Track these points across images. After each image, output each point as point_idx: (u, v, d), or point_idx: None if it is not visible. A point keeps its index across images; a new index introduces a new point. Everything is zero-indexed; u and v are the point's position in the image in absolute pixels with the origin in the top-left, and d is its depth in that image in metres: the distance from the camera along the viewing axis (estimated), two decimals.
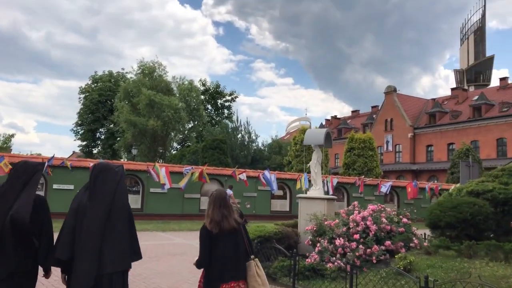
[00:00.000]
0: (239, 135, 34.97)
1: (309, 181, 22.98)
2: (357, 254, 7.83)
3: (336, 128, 66.63)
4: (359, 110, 72.56)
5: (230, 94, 51.97)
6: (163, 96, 35.78)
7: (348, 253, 7.97)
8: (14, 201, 3.49)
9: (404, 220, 8.71)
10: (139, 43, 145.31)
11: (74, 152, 65.01)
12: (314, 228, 8.82)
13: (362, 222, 8.36)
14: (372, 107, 67.69)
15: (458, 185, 27.57)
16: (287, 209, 23.58)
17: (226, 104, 52.66)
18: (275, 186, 21.50)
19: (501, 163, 41.30)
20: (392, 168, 53.62)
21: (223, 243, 3.87)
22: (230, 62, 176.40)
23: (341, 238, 8.07)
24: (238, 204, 18.55)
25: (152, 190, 20.22)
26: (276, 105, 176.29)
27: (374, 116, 63.09)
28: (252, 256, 4.05)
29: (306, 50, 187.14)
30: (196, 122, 40.94)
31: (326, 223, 8.61)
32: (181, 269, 9.42)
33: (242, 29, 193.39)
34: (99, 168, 3.69)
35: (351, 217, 8.50)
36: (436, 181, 44.05)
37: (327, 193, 23.56)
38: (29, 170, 3.71)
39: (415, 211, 19.56)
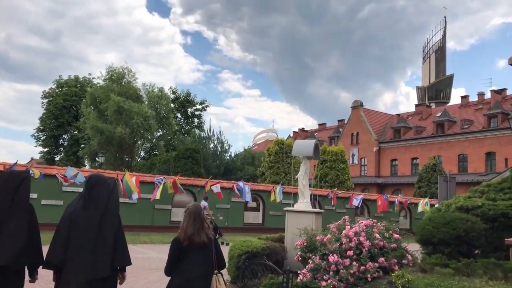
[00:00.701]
0: (212, 145, 34.33)
1: (284, 193, 22.76)
2: (351, 271, 7.52)
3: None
4: (326, 123, 73.43)
5: (201, 103, 51.05)
6: (132, 103, 34.77)
7: (342, 270, 7.65)
8: (7, 214, 3.65)
9: (396, 236, 8.49)
10: (105, 48, 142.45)
11: (32, 159, 62.34)
12: (305, 244, 8.47)
13: (355, 238, 8.08)
14: (339, 120, 68.81)
15: (426, 199, 28.05)
16: (260, 221, 23.21)
17: (197, 113, 51.74)
18: (249, 197, 21.09)
19: (462, 179, 42.56)
20: (357, 181, 54.36)
21: (193, 255, 4.14)
22: (197, 71, 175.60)
23: (334, 255, 7.76)
24: (212, 216, 17.97)
25: (121, 200, 19.32)
26: (243, 116, 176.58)
27: (340, 129, 64.07)
28: (216, 271, 4.28)
29: (273, 63, 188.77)
30: (165, 131, 40.00)
31: (318, 238, 8.28)
32: (161, 286, 8.85)
33: (210, 39, 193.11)
34: (94, 180, 3.98)
35: (343, 232, 8.20)
36: (400, 195, 44.94)
37: None
38: (16, 179, 3.85)
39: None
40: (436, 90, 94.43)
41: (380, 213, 25.50)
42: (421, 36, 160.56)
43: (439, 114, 54.58)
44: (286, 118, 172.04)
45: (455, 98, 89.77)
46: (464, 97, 56.38)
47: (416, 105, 63.94)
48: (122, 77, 38.26)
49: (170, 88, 49.45)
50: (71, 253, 3.65)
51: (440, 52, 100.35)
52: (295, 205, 10.07)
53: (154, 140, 39.78)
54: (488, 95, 52.89)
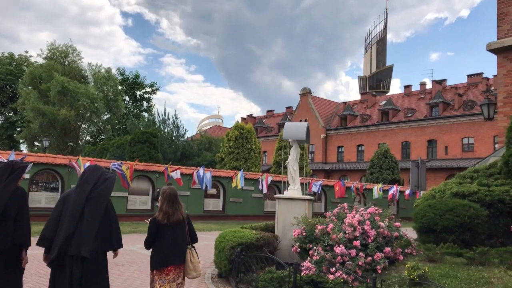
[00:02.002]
0: (167, 129, 32.50)
1: (245, 179, 22.08)
2: (359, 263, 7.01)
3: (252, 126, 66.76)
4: (274, 110, 73.42)
5: (151, 86, 48.47)
6: (78, 83, 32.25)
7: (348, 262, 7.11)
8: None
9: (396, 223, 8.10)
10: (38, 27, 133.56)
11: None
12: (304, 234, 7.86)
13: (359, 227, 7.58)
14: (286, 107, 69.16)
15: (380, 184, 28.51)
16: (220, 208, 22.39)
17: (146, 96, 49.08)
18: (209, 184, 20.23)
19: (406, 165, 44.02)
20: None
21: (169, 232, 4.66)
22: (138, 54, 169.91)
23: (341, 245, 7.20)
24: None
25: (73, 186, 17.80)
26: (186, 102, 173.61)
27: (288, 116, 64.33)
28: (189, 246, 4.83)
29: (217, 48, 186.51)
30: (113, 114, 37.60)
31: (319, 227, 7.68)
32: (142, 284, 7.91)
33: (152, 22, 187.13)
34: (89, 167, 4.49)
35: (347, 221, 7.68)
36: (346, 180, 45.85)
37: (261, 191, 22.88)
38: (15, 168, 4.42)
39: None
40: (376, 80, 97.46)
41: (337, 198, 25.58)
42: (361, 28, 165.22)
43: (383, 102, 56.13)
44: (230, 104, 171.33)
45: (393, 88, 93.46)
46: (407, 87, 58.31)
47: (362, 94, 65.47)
48: (66, 56, 35.38)
49: (118, 69, 46.41)
50: (59, 228, 3.99)
51: (381, 43, 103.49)
52: (285, 192, 9.43)
53: (100, 124, 37.35)
54: (427, 85, 55.19)
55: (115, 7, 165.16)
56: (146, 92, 48.56)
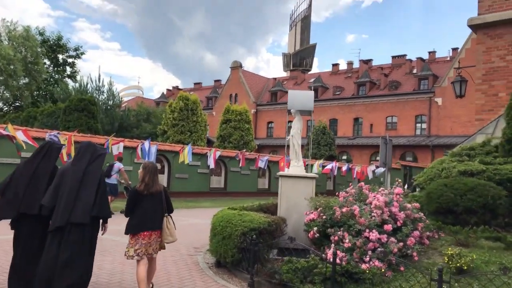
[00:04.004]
0: (102, 97, 29.12)
1: (192, 154, 20.59)
2: (394, 250, 6.26)
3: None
4: (201, 83, 71.41)
5: (75, 49, 43.79)
6: None
7: (379, 249, 6.32)
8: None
9: (416, 204, 7.48)
10: None
11: None
12: (323, 217, 6.93)
13: (386, 209, 6.83)
14: (215, 81, 67.65)
15: (321, 160, 28.52)
16: (165, 184, 20.76)
17: (69, 60, 44.32)
18: (154, 159, 18.57)
19: (336, 142, 44.92)
20: None
21: (148, 201, 5.11)
22: (47, 17, 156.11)
23: (374, 231, 6.39)
24: (129, 181, 14.78)
25: (1, 160, 15.26)
26: (101, 71, 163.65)
27: (218, 90, 62.89)
28: (166, 214, 5.31)
29: (136, 16, 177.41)
30: (32, 79, 33.27)
31: (343, 210, 6.79)
32: (134, 279, 6.52)
33: None
34: (84, 144, 5.07)
35: (373, 202, 6.88)
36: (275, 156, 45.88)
37: (208, 166, 21.61)
38: (51, 148, 5.18)
39: None
40: (300, 58, 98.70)
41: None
42: (283, 5, 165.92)
43: (312, 80, 56.77)
44: (148, 75, 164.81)
45: (313, 67, 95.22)
46: (335, 65, 59.39)
47: (291, 70, 65.66)
48: None
49: (37, 28, 40.72)
50: (59, 199, 4.55)
51: (305, 21, 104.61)
52: (287, 169, 8.40)
53: (18, 90, 32.83)
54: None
55: None
56: (70, 56, 43.75)
